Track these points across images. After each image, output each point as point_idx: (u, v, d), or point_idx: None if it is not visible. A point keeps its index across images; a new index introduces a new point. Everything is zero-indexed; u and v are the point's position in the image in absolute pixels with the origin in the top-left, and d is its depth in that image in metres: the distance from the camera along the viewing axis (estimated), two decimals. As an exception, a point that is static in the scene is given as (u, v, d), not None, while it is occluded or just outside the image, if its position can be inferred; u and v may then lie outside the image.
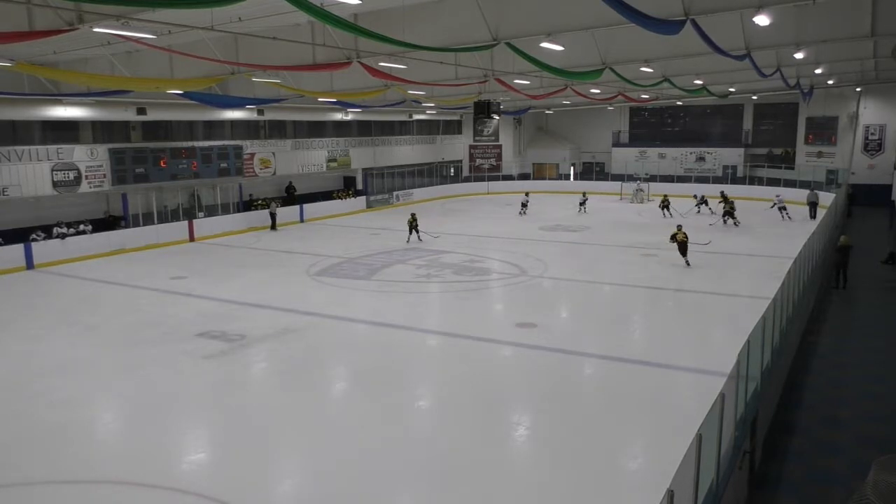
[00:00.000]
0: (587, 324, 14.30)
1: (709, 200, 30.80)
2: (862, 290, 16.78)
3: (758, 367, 7.62)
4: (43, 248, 20.41)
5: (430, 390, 10.69)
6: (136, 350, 12.31)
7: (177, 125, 26.78)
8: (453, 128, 43.73)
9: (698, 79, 24.86)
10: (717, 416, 5.43)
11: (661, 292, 16.52)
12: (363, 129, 36.31)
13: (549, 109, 44.26)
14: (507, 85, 21.79)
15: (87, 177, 22.85)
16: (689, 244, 18.88)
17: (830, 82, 30.53)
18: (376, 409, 9.60)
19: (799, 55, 18.14)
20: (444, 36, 14.22)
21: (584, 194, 31.99)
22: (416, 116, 39.22)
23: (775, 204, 29.82)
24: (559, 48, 14.58)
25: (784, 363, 10.04)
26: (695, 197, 31.37)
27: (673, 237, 19.06)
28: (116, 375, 11.13)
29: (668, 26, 11.58)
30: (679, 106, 41.54)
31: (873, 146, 34.16)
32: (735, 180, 38.00)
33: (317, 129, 33.24)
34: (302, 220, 29.62)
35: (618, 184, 38.57)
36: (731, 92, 32.25)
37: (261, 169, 29.73)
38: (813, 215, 28.82)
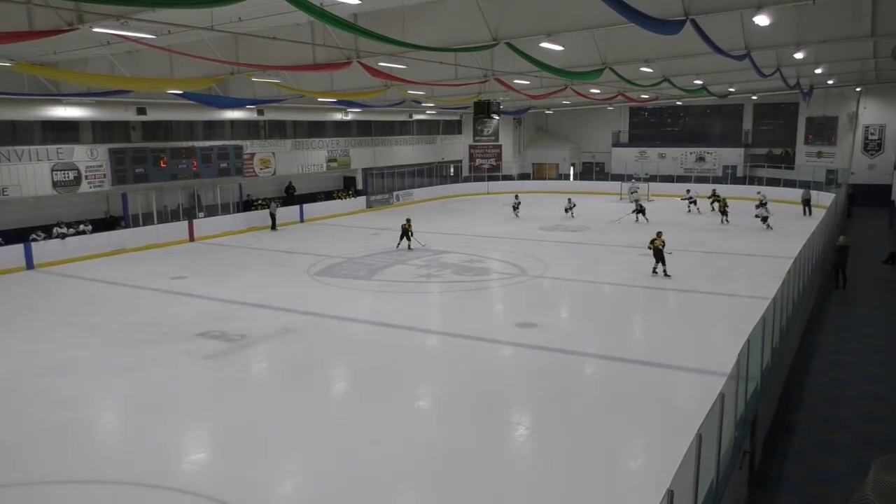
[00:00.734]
0: (587, 324, 14.31)
1: (697, 200, 30.83)
2: (862, 289, 16.78)
3: (758, 366, 7.63)
4: (43, 248, 20.42)
5: (430, 390, 10.70)
6: (137, 350, 12.31)
7: (177, 125, 26.79)
8: (453, 128, 43.73)
9: (698, 79, 24.85)
10: (717, 415, 5.44)
11: (661, 292, 16.52)
12: (363, 129, 36.31)
13: (548, 109, 44.25)
14: (506, 85, 21.78)
15: (87, 177, 22.86)
16: (664, 253, 17.68)
17: (830, 82, 30.51)
18: (376, 409, 9.60)
19: (799, 55, 18.12)
20: (444, 36, 14.20)
21: (569, 200, 30.74)
22: (416, 116, 39.21)
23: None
24: (559, 48, 14.57)
25: (784, 363, 10.04)
26: (688, 192, 31.38)
27: (651, 242, 17.97)
28: (116, 375, 11.13)
29: (667, 26, 11.58)
30: (679, 106, 41.51)
31: (873, 146, 34.13)
32: (735, 180, 38.05)
33: (317, 129, 33.26)
34: (302, 220, 29.61)
35: (618, 184, 38.57)
36: (731, 92, 32.22)
37: (261, 169, 29.74)
38: (808, 212, 28.89)
